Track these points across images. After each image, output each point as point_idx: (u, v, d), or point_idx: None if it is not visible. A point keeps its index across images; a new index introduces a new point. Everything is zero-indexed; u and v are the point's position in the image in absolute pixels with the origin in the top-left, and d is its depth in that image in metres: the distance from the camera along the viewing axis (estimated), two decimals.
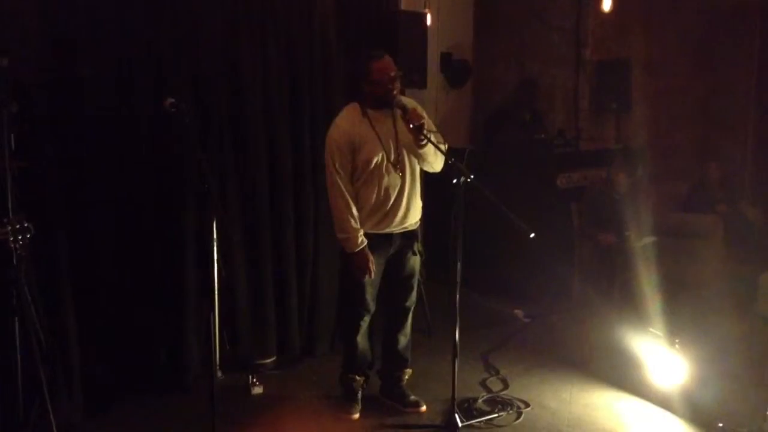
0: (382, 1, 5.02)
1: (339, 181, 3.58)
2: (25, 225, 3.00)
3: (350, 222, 3.59)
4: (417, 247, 3.84)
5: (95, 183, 3.82)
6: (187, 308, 4.12)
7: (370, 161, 3.58)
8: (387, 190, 3.64)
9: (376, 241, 3.68)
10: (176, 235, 4.06)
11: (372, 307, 3.83)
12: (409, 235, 3.79)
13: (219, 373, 4.13)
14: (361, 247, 3.60)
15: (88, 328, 3.76)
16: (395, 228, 3.72)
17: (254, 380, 4.18)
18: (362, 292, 3.74)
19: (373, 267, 3.64)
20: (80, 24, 3.68)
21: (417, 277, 3.93)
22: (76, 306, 3.66)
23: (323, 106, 4.50)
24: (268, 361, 4.47)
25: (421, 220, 3.86)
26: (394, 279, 3.86)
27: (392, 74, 3.55)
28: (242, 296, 4.37)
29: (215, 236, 3.28)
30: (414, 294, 3.94)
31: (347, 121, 3.63)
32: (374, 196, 3.63)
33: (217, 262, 3.37)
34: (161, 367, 4.11)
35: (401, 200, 3.69)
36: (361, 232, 3.61)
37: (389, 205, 3.66)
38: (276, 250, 4.47)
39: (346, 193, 3.59)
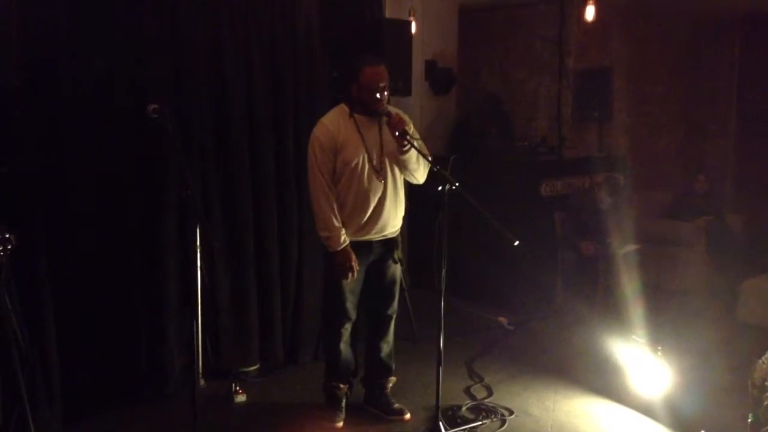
0: (366, 9, 5.02)
1: (322, 179, 3.56)
2: (6, 236, 2.97)
3: (332, 220, 3.57)
4: (397, 255, 3.83)
5: (76, 188, 3.78)
6: (169, 316, 4.09)
7: (350, 162, 3.56)
8: (367, 195, 3.62)
9: (356, 248, 3.65)
10: (158, 242, 4.03)
11: (353, 314, 3.81)
12: (388, 243, 3.78)
13: (201, 381, 4.08)
14: (344, 245, 3.59)
15: (68, 335, 3.71)
16: (375, 236, 3.71)
17: (237, 388, 4.15)
18: (342, 299, 3.72)
19: (356, 266, 3.62)
20: (60, 27, 3.64)
21: (398, 284, 3.91)
22: (56, 313, 3.62)
23: (307, 114, 4.48)
24: (251, 368, 4.44)
25: (401, 228, 3.85)
26: (375, 287, 3.84)
27: (383, 84, 3.53)
28: (225, 303, 4.34)
29: (198, 243, 3.26)
30: (395, 302, 3.92)
31: (332, 121, 3.62)
32: (353, 199, 3.61)
33: (200, 269, 3.35)
34: (143, 374, 4.07)
35: (382, 208, 3.67)
36: (344, 231, 3.60)
37: (369, 212, 3.64)
38: (260, 257, 4.44)
39: (329, 191, 3.58)
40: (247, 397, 4.15)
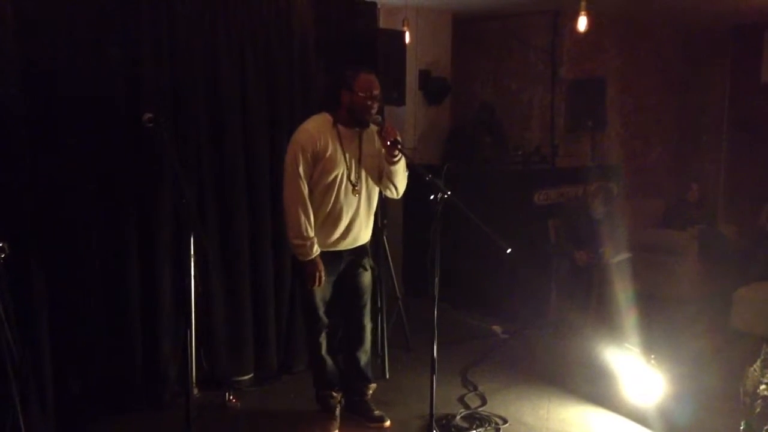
0: (361, 20, 5.05)
1: (301, 185, 3.50)
2: (0, 245, 2.98)
3: (308, 228, 3.52)
4: (368, 263, 3.83)
5: (71, 198, 3.78)
6: (163, 325, 4.08)
7: (329, 174, 3.53)
8: (341, 210, 3.60)
9: (326, 258, 3.62)
10: (153, 251, 4.03)
11: (326, 321, 3.79)
12: (358, 251, 3.77)
13: (195, 390, 4.09)
14: (316, 255, 3.56)
15: (62, 345, 3.71)
16: (345, 248, 3.70)
17: (231, 397, 4.16)
18: (315, 308, 3.71)
19: (323, 276, 3.59)
20: (58, 34, 3.66)
21: (370, 293, 3.89)
22: (50, 323, 3.61)
23: (302, 123, 4.50)
24: (245, 377, 4.44)
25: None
26: (348, 296, 3.82)
27: (376, 92, 3.53)
28: (219, 312, 4.34)
29: (192, 252, 3.26)
30: (368, 310, 3.90)
31: (316, 128, 3.57)
32: (327, 214, 3.58)
33: (194, 278, 3.35)
34: (137, 384, 4.06)
35: (355, 222, 3.66)
36: (316, 240, 3.56)
37: (342, 226, 3.63)
38: (254, 266, 4.45)
39: (306, 199, 3.52)
40: (241, 406, 4.14)
